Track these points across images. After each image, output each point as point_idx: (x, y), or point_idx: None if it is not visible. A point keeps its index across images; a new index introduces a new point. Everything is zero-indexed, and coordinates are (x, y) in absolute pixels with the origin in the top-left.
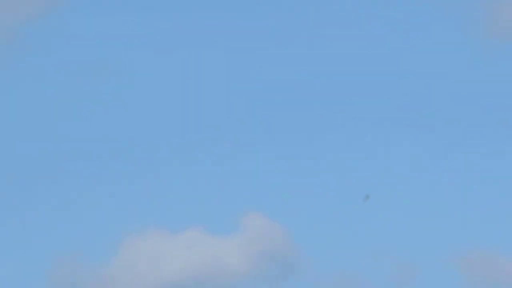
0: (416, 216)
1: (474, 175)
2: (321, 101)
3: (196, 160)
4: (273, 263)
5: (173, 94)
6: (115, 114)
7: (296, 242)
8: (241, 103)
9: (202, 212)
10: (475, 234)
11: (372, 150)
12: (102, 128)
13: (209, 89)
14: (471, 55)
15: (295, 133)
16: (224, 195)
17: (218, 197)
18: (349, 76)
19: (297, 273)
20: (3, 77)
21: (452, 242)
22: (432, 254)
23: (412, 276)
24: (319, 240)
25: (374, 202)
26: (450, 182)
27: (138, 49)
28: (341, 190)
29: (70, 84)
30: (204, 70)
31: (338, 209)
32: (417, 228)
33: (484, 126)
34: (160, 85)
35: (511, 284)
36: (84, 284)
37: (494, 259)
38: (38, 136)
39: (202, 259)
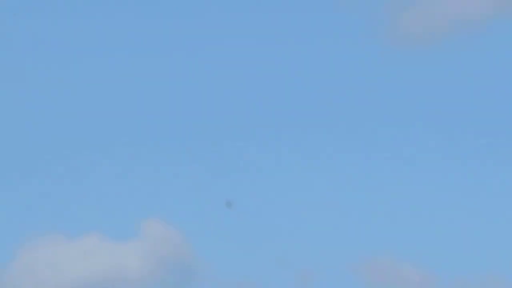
0: (318, 222)
1: (377, 180)
2: (239, 107)
3: (95, 164)
4: (173, 269)
5: (73, 97)
6: (25, 116)
7: (195, 248)
8: (141, 107)
9: (100, 217)
10: (378, 240)
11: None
12: (7, 129)
13: (108, 95)
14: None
15: (194, 138)
16: (123, 200)
17: (117, 202)
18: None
19: (197, 280)
20: None
21: (355, 248)
22: (334, 260)
23: (313, 284)
24: (219, 247)
25: (276, 209)
26: (350, 188)
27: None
28: (241, 196)
29: None
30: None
31: (238, 215)
32: (318, 235)
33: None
34: (65, 89)
35: None
36: None
37: (397, 265)
38: None
39: (100, 266)
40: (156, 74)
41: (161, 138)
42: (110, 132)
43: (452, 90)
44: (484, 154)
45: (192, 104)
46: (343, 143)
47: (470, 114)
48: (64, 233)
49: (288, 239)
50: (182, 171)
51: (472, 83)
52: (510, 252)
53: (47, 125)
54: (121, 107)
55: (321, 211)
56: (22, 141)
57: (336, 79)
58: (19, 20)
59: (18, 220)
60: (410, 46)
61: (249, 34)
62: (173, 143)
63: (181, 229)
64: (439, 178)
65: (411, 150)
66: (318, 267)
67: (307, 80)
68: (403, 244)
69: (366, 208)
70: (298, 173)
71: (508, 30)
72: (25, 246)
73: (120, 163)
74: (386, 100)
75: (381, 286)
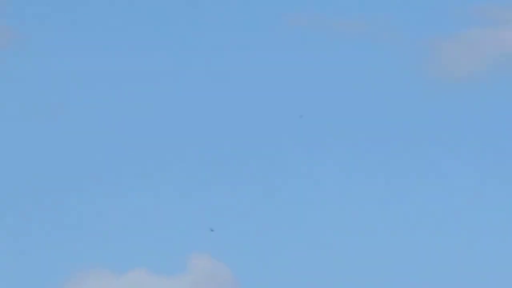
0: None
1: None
2: (282, 139)
3: (142, 200)
4: None
5: (113, 131)
6: (60, 151)
7: (242, 283)
8: (184, 141)
9: (147, 252)
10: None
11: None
12: (48, 165)
13: (148, 128)
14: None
15: (243, 173)
16: (170, 235)
17: (164, 237)
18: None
19: None
20: None
21: None
22: None
23: None
24: (265, 282)
25: (322, 243)
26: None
27: (90, 89)
28: (290, 232)
29: (23, 124)
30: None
31: (285, 250)
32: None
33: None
34: (102, 121)
35: None
36: None
37: None
38: None
39: None
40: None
41: (208, 174)
42: (158, 167)
43: (496, 125)
44: None
45: (242, 142)
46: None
47: None
48: (111, 268)
49: (333, 276)
50: (229, 206)
51: None
52: None
53: (90, 163)
54: (167, 141)
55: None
56: (66, 178)
57: (381, 113)
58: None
59: (66, 254)
60: (453, 81)
61: (296, 73)
62: (220, 178)
63: (228, 264)
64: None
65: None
66: None
67: (352, 114)
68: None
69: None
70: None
71: None
72: (72, 280)
73: (167, 199)
74: (431, 134)
75: None
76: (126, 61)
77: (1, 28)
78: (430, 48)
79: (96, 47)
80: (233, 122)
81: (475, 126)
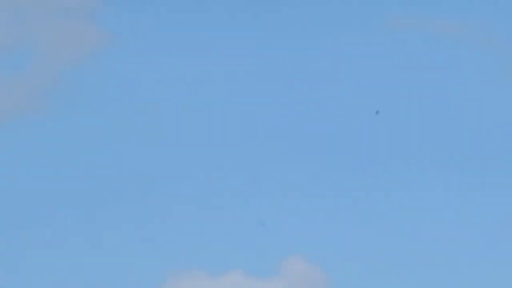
0: None
1: None
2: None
3: (237, 202)
4: None
5: (216, 133)
6: (157, 152)
7: (336, 285)
8: (284, 142)
9: (242, 255)
10: None
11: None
12: (146, 166)
13: (242, 128)
14: None
15: (336, 175)
16: (265, 238)
17: (259, 240)
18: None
19: None
20: (53, 121)
21: None
22: None
23: None
24: (359, 283)
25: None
26: None
27: (184, 91)
28: (385, 232)
29: (119, 126)
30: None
31: (380, 251)
32: None
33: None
34: (203, 124)
35: None
36: None
37: None
38: (83, 179)
39: None
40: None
41: (302, 176)
42: (252, 169)
43: None
44: None
45: (340, 143)
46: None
47: None
48: (207, 271)
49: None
50: (322, 209)
51: None
52: None
53: (190, 163)
54: (266, 142)
55: None
56: (163, 180)
57: (480, 114)
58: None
59: (163, 257)
60: None
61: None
62: (313, 181)
63: (322, 266)
64: None
65: None
66: None
67: (453, 115)
68: None
69: None
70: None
71: None
72: (169, 283)
73: (262, 202)
74: None
75: None
76: (219, 62)
77: (97, 32)
78: None
79: (188, 48)
80: (334, 122)
81: None
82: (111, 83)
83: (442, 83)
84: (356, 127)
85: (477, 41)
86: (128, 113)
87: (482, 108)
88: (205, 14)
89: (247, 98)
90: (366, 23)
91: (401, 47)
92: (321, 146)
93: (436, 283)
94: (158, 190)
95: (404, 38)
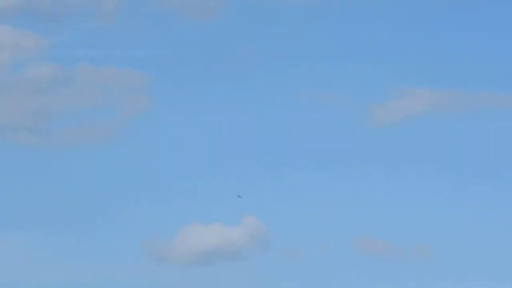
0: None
1: None
2: None
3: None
4: None
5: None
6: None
7: (274, 236)
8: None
9: (222, 211)
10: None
11: None
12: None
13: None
14: None
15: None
16: (234, 201)
17: (229, 202)
18: None
19: None
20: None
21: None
22: None
23: None
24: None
25: None
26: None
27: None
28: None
29: None
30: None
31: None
32: None
33: None
34: None
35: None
36: None
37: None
38: None
39: None
40: None
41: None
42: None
43: None
44: None
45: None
46: None
47: None
48: (203, 222)
49: None
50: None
51: None
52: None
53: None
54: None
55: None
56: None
57: None
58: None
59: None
60: None
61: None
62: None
63: (267, 224)
64: None
65: None
66: None
67: None
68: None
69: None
70: None
71: None
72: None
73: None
74: None
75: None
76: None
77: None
78: None
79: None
80: None
81: None
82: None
83: None
84: None
85: None
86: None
87: None
88: None
89: None
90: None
91: None
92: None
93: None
94: None
95: None
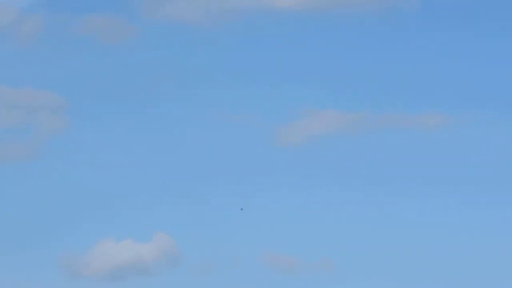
0: None
1: None
2: None
3: None
4: None
5: None
6: None
7: (185, 252)
8: None
9: (130, 227)
10: None
11: None
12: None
13: None
14: None
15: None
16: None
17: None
18: None
19: None
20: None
21: None
22: None
23: None
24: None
25: None
26: None
27: None
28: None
29: None
30: None
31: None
32: None
33: None
34: None
35: None
36: None
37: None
38: None
39: None
40: None
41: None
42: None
43: None
44: None
45: None
46: None
47: None
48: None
49: None
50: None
51: None
52: None
53: None
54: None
55: None
56: None
57: None
58: None
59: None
60: None
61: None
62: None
63: (177, 240)
64: None
65: None
66: None
67: None
68: None
69: None
70: None
71: None
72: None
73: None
74: None
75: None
76: None
77: None
78: None
79: None
80: None
81: None
82: None
83: None
84: None
85: None
86: None
87: None
88: None
89: None
90: None
91: None
92: None
93: None
94: None
95: None
